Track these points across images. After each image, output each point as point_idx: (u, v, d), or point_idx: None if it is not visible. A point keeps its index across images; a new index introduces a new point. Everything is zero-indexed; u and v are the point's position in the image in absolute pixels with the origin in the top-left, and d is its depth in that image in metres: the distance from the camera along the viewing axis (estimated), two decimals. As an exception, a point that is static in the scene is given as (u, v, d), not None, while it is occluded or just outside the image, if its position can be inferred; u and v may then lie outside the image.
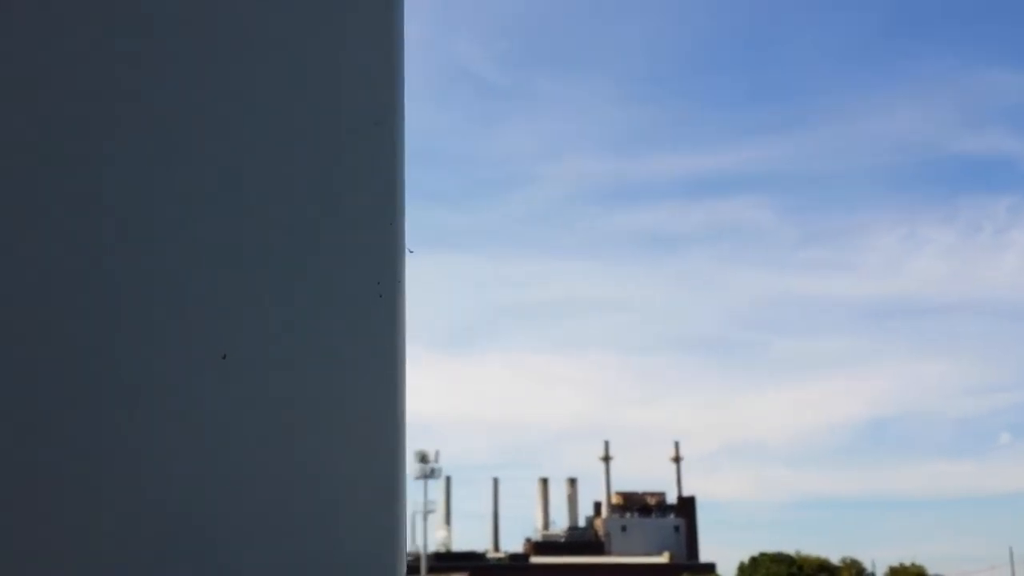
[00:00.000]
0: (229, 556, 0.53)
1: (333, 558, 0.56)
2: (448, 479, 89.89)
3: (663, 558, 68.95)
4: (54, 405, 0.52)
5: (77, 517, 0.51)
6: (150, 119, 0.56)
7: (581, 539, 76.03)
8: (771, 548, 64.41)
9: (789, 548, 64.88)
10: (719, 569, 65.83)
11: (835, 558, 60.76)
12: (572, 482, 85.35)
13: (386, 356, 0.60)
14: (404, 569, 0.58)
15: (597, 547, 73.82)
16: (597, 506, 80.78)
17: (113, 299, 0.54)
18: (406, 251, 0.63)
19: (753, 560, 62.17)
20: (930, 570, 51.92)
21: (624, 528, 75.18)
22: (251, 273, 0.58)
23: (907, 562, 52.17)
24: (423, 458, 79.70)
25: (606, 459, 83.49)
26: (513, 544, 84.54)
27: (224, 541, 0.54)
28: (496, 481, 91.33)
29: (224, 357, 0.55)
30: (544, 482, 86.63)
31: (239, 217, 0.58)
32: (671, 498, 77.87)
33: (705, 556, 72.74)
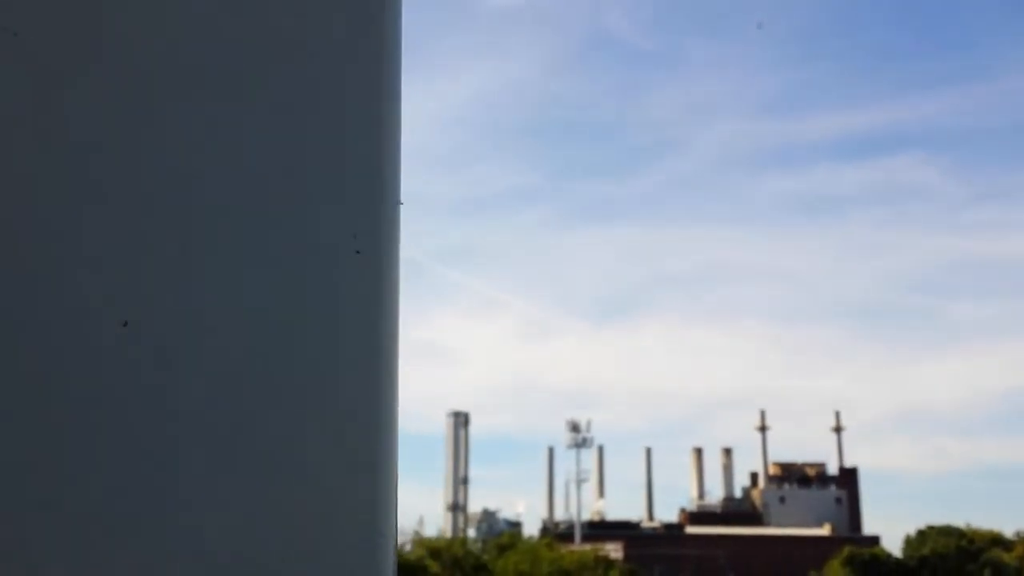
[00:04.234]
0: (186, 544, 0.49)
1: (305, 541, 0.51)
2: (601, 448, 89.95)
3: (824, 530, 67.13)
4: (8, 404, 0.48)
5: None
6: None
7: (738, 510, 74.89)
8: (940, 521, 61.81)
9: (959, 521, 62.07)
10: (884, 542, 63.50)
11: (1009, 531, 57.67)
12: (727, 452, 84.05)
13: (363, 323, 0.53)
14: (392, 558, 0.54)
15: (754, 518, 72.51)
16: (753, 477, 79.28)
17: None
18: (398, 203, 0.56)
19: (920, 533, 59.75)
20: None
21: (782, 499, 73.54)
22: (186, 226, 0.51)
23: (1091, 537, 49.07)
24: (575, 428, 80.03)
25: (762, 429, 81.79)
26: (668, 514, 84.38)
27: (186, 528, 0.49)
28: (649, 451, 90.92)
29: (125, 324, 0.49)
30: (698, 452, 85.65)
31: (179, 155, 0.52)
32: (832, 469, 75.65)
33: (869, 529, 70.61)
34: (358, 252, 0.54)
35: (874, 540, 63.39)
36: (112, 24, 0.53)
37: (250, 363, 0.51)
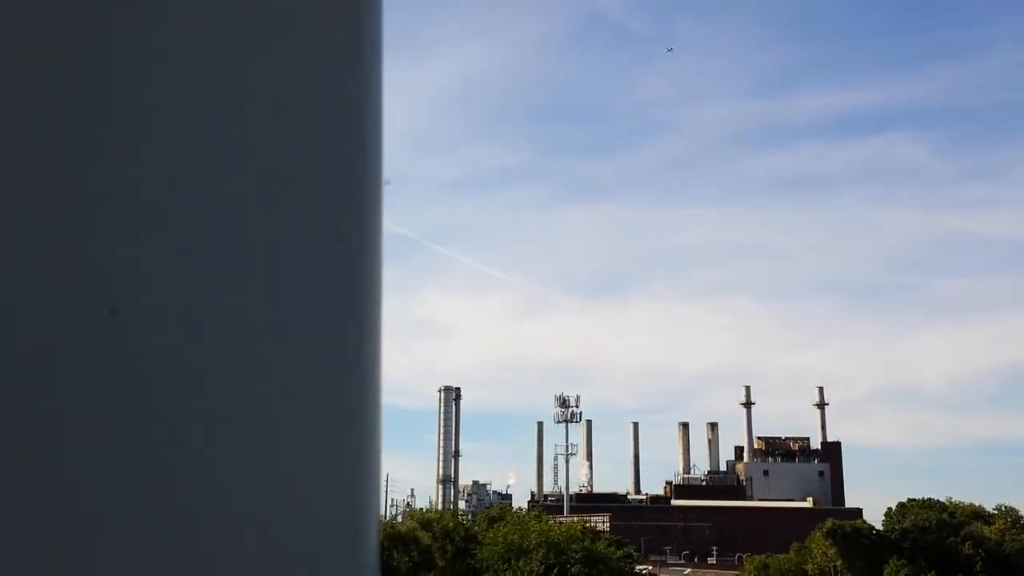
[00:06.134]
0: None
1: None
2: (589, 423, 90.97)
3: (806, 503, 68.36)
4: None
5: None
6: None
7: (722, 483, 76.06)
8: (921, 494, 63.14)
9: (941, 495, 63.45)
10: (866, 515, 64.93)
11: (990, 505, 59.12)
12: (713, 427, 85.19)
13: (344, 312, 0.49)
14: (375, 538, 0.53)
15: (738, 491, 73.76)
16: (738, 451, 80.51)
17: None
18: (381, 183, 0.52)
19: (902, 506, 61.07)
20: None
21: (766, 472, 74.74)
22: (165, 211, 0.49)
23: (1065, 509, 50.33)
24: (564, 403, 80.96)
25: (747, 404, 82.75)
26: (654, 487, 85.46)
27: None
28: (636, 425, 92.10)
29: (113, 313, 0.47)
30: (684, 426, 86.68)
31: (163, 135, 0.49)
32: (815, 443, 76.88)
33: (851, 502, 71.89)
34: (340, 236, 0.50)
35: (856, 512, 64.76)
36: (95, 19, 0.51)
37: (227, 353, 0.49)
